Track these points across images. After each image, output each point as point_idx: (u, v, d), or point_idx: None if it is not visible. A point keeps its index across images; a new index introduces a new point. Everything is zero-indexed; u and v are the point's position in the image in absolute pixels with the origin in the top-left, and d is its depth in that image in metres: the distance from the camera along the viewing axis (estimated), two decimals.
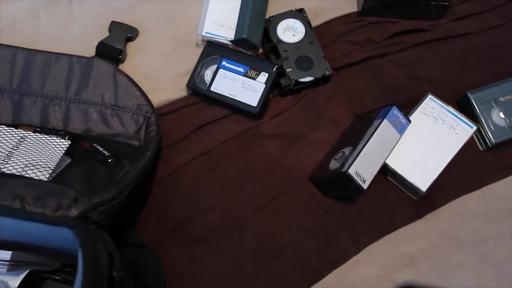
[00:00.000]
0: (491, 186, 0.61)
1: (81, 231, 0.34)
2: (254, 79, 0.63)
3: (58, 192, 0.41)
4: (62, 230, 0.36)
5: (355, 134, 0.60)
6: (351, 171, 0.54)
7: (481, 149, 0.64)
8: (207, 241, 0.58)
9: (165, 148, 0.62)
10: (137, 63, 0.67)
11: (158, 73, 0.67)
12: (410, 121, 0.59)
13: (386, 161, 0.59)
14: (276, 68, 0.62)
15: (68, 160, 0.56)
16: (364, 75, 0.68)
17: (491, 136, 0.62)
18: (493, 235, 0.58)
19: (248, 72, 0.63)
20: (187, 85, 0.65)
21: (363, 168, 0.55)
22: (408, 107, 0.63)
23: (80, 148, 0.58)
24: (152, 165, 0.56)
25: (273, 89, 0.65)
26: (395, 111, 0.58)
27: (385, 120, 0.57)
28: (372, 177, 0.55)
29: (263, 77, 0.62)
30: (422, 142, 0.61)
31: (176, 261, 0.57)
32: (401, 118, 0.59)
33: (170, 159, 0.62)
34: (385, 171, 0.61)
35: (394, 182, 0.62)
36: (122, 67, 0.67)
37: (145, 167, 0.52)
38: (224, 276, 0.57)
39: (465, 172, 0.62)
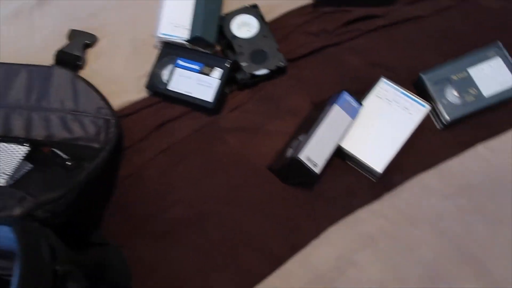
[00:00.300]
0: (448, 163, 0.61)
1: (18, 228, 0.36)
2: (209, 75, 0.64)
3: (5, 194, 0.42)
4: (3, 229, 0.37)
5: (310, 122, 0.61)
6: (302, 156, 0.55)
7: (438, 128, 0.65)
8: (172, 236, 0.60)
9: (127, 148, 0.64)
10: (98, 68, 0.69)
11: (119, 77, 0.68)
12: (362, 105, 0.61)
13: (342, 145, 0.60)
14: (230, 63, 0.64)
15: (30, 166, 0.58)
16: (321, 65, 0.69)
17: (445, 114, 0.63)
18: (450, 210, 0.58)
19: (203, 69, 0.65)
20: (146, 86, 0.66)
21: (314, 153, 0.56)
22: (366, 94, 0.64)
23: (42, 154, 0.60)
24: (108, 165, 0.57)
25: (230, 84, 0.66)
26: (345, 95, 0.60)
27: (335, 105, 0.59)
28: (325, 161, 0.56)
29: (218, 72, 0.64)
30: (377, 124, 0.62)
31: (142, 257, 0.59)
32: (352, 103, 0.60)
33: (133, 158, 0.63)
34: (344, 155, 0.62)
35: (353, 165, 0.63)
36: (83, 73, 0.68)
37: (98, 167, 0.53)
38: (189, 269, 0.58)
39: (422, 152, 0.63)
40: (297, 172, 0.58)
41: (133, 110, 0.66)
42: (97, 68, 0.69)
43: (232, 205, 0.61)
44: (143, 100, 0.67)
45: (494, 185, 0.59)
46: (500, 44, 0.65)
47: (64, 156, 0.58)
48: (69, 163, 0.58)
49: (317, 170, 0.56)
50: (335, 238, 0.58)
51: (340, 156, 0.63)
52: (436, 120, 0.65)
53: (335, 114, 0.58)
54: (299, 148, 0.56)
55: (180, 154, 0.64)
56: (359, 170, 0.62)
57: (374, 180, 0.62)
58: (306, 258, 0.57)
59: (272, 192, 0.62)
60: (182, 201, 0.61)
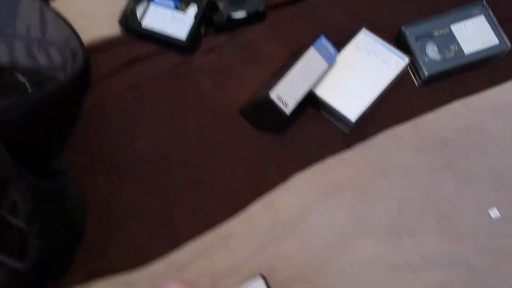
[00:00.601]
0: (423, 118, 0.60)
1: None
2: (184, 12, 0.62)
3: None
4: None
5: (286, 67, 0.59)
6: (273, 95, 0.53)
7: (417, 85, 0.63)
8: (132, 171, 0.58)
9: (94, 82, 0.61)
10: (70, 1, 0.66)
11: (92, 11, 0.66)
12: (338, 51, 0.59)
13: (317, 92, 0.58)
14: (206, 0, 0.61)
15: None
16: (301, 14, 0.67)
17: (424, 70, 0.61)
18: (421, 164, 0.57)
19: (179, 5, 0.62)
20: (119, 22, 0.64)
21: (285, 93, 0.54)
22: (345, 44, 0.62)
23: (3, 79, 0.57)
24: (70, 92, 0.55)
25: (207, 25, 0.64)
26: (323, 40, 0.58)
27: (312, 48, 0.56)
28: (296, 102, 0.55)
29: (193, 10, 0.61)
30: (354, 74, 0.60)
31: (100, 190, 0.56)
32: (329, 48, 0.58)
33: (99, 92, 0.61)
34: (318, 104, 0.60)
35: (327, 116, 0.61)
36: (54, 5, 0.65)
37: (57, 87, 0.51)
38: (146, 204, 0.56)
39: (399, 106, 0.61)
40: (267, 112, 0.56)
41: (105, 45, 0.64)
42: (69, 2, 0.66)
43: (198, 146, 0.59)
44: (116, 36, 0.65)
45: (467, 142, 0.58)
46: (485, 2, 0.63)
47: (26, 82, 0.55)
48: (31, 90, 0.55)
49: (287, 110, 0.54)
50: (301, 185, 0.56)
51: (314, 106, 0.61)
52: (415, 77, 0.63)
53: (311, 57, 0.56)
54: (270, 87, 0.54)
55: (149, 91, 0.61)
56: (333, 120, 0.61)
57: (347, 132, 0.60)
58: (269, 203, 0.56)
59: (241, 136, 0.60)
60: (146, 138, 0.59)
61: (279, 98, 0.53)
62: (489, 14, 0.63)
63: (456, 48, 0.62)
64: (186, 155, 0.58)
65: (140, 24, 0.62)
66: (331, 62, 0.58)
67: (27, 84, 0.55)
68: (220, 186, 0.57)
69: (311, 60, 0.56)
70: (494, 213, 0.52)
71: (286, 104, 0.54)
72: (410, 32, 0.63)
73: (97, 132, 0.59)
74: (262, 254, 0.53)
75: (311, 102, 0.61)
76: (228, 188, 0.57)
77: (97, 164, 0.57)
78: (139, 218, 0.55)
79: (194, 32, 0.61)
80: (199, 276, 0.52)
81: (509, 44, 0.61)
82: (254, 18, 0.64)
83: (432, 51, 0.62)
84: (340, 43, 0.62)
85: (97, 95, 0.61)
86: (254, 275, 0.50)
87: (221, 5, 0.63)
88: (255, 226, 0.54)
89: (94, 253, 0.53)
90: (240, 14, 0.63)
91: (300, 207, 0.55)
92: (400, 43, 0.64)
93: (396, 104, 0.61)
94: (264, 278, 0.44)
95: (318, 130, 0.60)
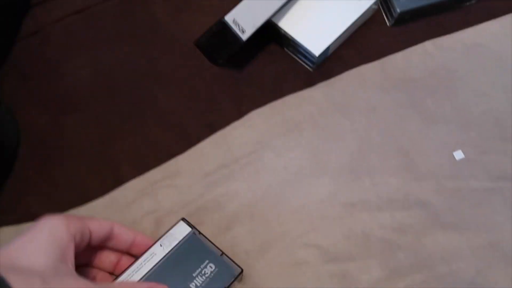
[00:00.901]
0: (391, 57, 0.56)
1: None
2: None
3: None
4: None
5: None
6: (228, 18, 0.48)
7: (389, 25, 0.59)
8: (72, 103, 0.53)
9: (36, 6, 0.56)
10: None
11: None
12: None
13: (280, 25, 0.54)
14: None
15: None
16: None
17: (396, 6, 0.57)
18: (385, 104, 0.53)
19: None
20: None
21: (243, 18, 0.49)
22: None
23: None
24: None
25: None
26: None
27: None
28: (254, 29, 0.50)
29: None
30: (321, 7, 0.55)
31: (36, 122, 0.51)
32: None
33: (40, 15, 0.55)
34: (281, 41, 0.56)
35: (291, 53, 0.57)
36: None
37: None
38: (86, 138, 0.51)
39: (368, 46, 0.57)
40: (222, 40, 0.51)
41: None
42: None
43: (148, 78, 0.54)
44: None
45: (435, 82, 0.54)
46: None
47: None
48: None
49: (244, 36, 0.49)
50: (258, 122, 0.52)
51: (278, 42, 0.57)
52: (387, 16, 0.59)
53: None
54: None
55: (96, 18, 0.56)
56: (297, 58, 0.56)
57: (311, 70, 0.56)
58: (222, 140, 0.51)
59: (196, 69, 0.55)
60: (91, 67, 0.54)
61: (235, 23, 0.49)
62: None
63: None
64: (134, 87, 0.54)
65: None
66: None
67: None
68: (170, 121, 0.52)
69: None
70: (458, 154, 0.49)
71: (243, 30, 0.49)
72: None
73: (36, 59, 0.53)
74: (211, 192, 0.49)
75: (274, 38, 0.56)
76: (178, 123, 0.52)
77: (35, 94, 0.52)
78: (78, 153, 0.50)
79: None
80: (141, 216, 0.48)
81: None
82: None
83: None
84: None
85: (38, 19, 0.55)
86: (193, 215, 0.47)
87: None
88: (205, 163, 0.50)
89: (26, 191, 0.49)
90: None
91: (255, 144, 0.51)
92: None
93: (365, 44, 0.57)
94: (185, 220, 0.41)
95: (280, 67, 0.56)
